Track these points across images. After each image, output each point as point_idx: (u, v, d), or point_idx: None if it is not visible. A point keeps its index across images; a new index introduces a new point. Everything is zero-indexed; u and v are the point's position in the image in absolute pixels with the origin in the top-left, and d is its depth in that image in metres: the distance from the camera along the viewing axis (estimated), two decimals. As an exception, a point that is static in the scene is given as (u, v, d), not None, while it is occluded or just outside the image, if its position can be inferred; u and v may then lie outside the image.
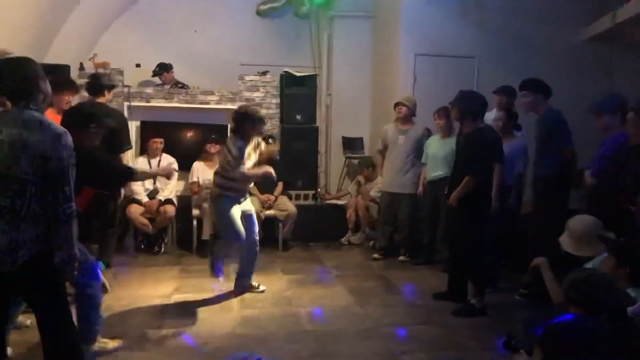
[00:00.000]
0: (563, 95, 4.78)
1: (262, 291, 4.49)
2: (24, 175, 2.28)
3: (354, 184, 6.69)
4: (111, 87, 4.79)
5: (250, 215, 4.44)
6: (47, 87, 2.47)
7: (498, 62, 6.25)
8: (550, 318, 1.67)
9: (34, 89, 2.40)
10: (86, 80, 4.93)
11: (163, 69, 6.46)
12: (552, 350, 1.51)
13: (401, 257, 5.58)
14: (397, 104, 5.56)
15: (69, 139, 2.36)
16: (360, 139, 7.05)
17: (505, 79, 5.50)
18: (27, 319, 3.31)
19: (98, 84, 4.62)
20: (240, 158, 4.15)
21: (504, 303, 4.32)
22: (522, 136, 4.89)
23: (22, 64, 2.43)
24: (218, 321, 3.85)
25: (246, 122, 4.20)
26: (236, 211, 4.24)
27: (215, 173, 4.35)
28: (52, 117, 4.11)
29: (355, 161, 7.10)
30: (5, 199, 2.27)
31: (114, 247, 5.00)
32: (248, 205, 4.47)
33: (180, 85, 6.52)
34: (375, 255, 5.69)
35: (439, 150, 5.20)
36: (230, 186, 4.21)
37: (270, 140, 6.14)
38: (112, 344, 3.29)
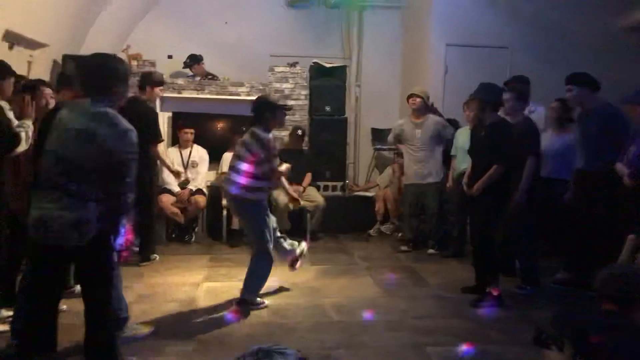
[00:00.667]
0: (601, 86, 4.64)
1: (266, 306, 3.94)
2: (89, 164, 2.46)
3: (385, 174, 6.66)
4: (155, 83, 5.00)
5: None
6: (124, 89, 2.69)
7: (532, 53, 6.12)
8: (582, 313, 1.64)
9: (110, 87, 2.59)
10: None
11: (194, 60, 6.54)
12: (584, 347, 1.49)
13: (430, 250, 5.55)
14: (410, 96, 5.52)
15: (133, 135, 2.55)
16: (390, 130, 6.99)
17: (540, 69, 5.41)
18: (63, 304, 3.42)
19: (142, 80, 5.05)
20: (270, 151, 3.80)
21: (537, 297, 4.27)
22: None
23: (107, 62, 2.64)
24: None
25: (266, 111, 3.85)
26: (269, 214, 3.92)
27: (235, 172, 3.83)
28: None
29: (385, 152, 7.07)
30: (73, 183, 2.46)
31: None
32: None
33: (211, 76, 6.59)
34: (403, 247, 5.67)
35: (468, 142, 5.12)
36: (260, 186, 3.83)
37: (299, 132, 6.17)
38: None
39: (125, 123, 2.55)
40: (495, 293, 4.06)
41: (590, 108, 4.18)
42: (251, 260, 3.92)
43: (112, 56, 2.73)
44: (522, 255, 4.47)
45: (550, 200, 4.55)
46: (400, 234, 6.12)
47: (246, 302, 3.84)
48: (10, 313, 3.36)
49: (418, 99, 5.47)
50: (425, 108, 5.55)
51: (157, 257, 5.04)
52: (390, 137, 5.86)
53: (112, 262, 2.68)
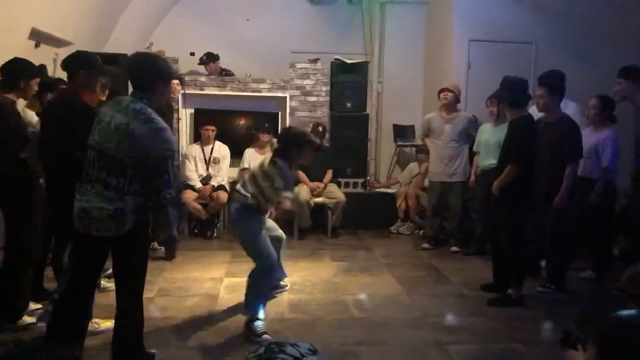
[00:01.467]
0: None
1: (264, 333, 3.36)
2: (127, 160, 2.56)
3: (407, 171, 6.62)
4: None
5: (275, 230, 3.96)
6: (165, 88, 2.77)
7: (557, 48, 6.00)
8: (606, 312, 1.60)
9: (152, 87, 2.68)
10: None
11: (210, 58, 6.55)
12: (608, 347, 1.45)
13: (453, 248, 5.50)
14: (442, 90, 5.44)
15: (169, 133, 2.64)
16: (412, 127, 6.96)
17: (565, 65, 5.26)
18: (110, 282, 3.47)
19: None
20: (281, 189, 3.54)
21: (560, 296, 4.21)
22: (612, 128, 4.49)
23: (152, 62, 2.73)
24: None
25: (293, 148, 3.53)
26: (264, 231, 3.60)
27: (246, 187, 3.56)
28: None
29: (407, 149, 7.03)
30: (112, 177, 2.57)
31: None
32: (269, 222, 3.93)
33: (225, 72, 6.62)
34: (425, 245, 5.64)
35: (491, 138, 5.05)
36: (264, 208, 3.63)
37: (320, 128, 6.17)
38: (104, 324, 3.32)
39: (161, 121, 2.62)
40: (514, 296, 3.99)
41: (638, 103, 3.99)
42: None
43: (155, 55, 2.85)
44: (554, 256, 4.34)
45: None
46: (421, 232, 6.08)
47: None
48: (39, 306, 3.44)
49: (450, 94, 5.39)
50: (457, 103, 5.48)
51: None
52: (419, 132, 5.80)
53: (146, 254, 2.80)
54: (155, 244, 4.49)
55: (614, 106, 4.44)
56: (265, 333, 3.30)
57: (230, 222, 3.69)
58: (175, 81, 4.41)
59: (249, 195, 3.48)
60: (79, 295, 2.75)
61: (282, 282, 4.21)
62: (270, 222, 3.94)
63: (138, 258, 2.74)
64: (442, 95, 5.44)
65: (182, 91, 5.72)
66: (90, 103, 3.17)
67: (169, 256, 2.79)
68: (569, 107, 4.61)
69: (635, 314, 1.86)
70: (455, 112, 5.47)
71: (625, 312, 1.67)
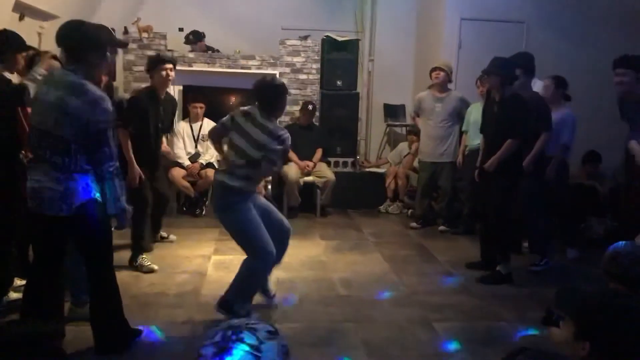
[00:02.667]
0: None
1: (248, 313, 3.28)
2: (67, 136, 2.47)
3: (396, 151, 6.62)
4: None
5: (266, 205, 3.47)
6: (99, 60, 2.61)
7: (550, 28, 5.97)
8: (587, 291, 1.63)
9: (83, 58, 2.53)
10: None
11: (197, 38, 6.45)
12: (586, 324, 1.47)
13: (441, 227, 5.54)
14: (434, 69, 5.41)
15: (106, 103, 2.51)
16: (402, 107, 6.93)
17: (557, 45, 5.29)
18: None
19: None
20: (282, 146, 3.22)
21: (547, 275, 4.27)
22: (568, 107, 4.64)
23: (83, 31, 2.56)
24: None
25: (274, 99, 3.27)
26: (255, 212, 3.23)
27: (232, 165, 3.19)
28: None
29: (397, 129, 7.01)
30: (57, 156, 2.49)
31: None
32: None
33: (211, 51, 6.52)
34: (413, 224, 5.67)
35: (480, 117, 5.04)
36: (255, 180, 3.28)
37: (310, 107, 6.13)
38: None
39: (96, 91, 2.51)
40: (503, 272, 4.06)
41: None
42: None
43: (87, 23, 2.64)
44: (536, 232, 4.46)
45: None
46: (410, 211, 6.11)
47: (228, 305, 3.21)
48: (24, 282, 3.43)
49: (442, 73, 5.36)
50: (448, 83, 5.46)
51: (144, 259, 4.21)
52: (412, 112, 5.78)
53: (104, 231, 2.71)
54: None
55: (567, 85, 4.56)
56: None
57: (215, 211, 3.31)
58: (169, 65, 4.22)
59: (237, 182, 3.14)
60: (46, 274, 2.69)
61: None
62: (270, 207, 3.46)
63: (96, 235, 2.67)
64: (433, 74, 5.41)
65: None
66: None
67: (120, 227, 2.72)
68: (536, 85, 4.65)
69: (613, 291, 1.89)
70: (447, 91, 5.45)
71: (603, 290, 1.70)
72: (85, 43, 2.53)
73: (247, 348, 1.05)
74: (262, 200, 3.45)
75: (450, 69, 5.45)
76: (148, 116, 4.11)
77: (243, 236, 3.22)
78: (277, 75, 6.40)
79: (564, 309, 1.53)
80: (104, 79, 3.88)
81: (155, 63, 4.20)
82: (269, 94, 3.27)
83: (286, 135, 3.23)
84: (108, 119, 2.53)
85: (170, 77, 4.19)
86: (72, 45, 2.55)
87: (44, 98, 2.51)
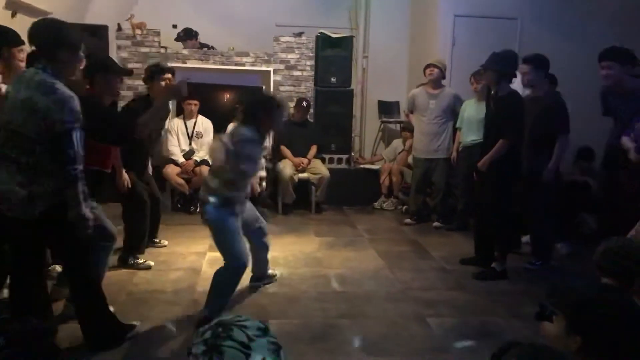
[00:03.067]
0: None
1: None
2: (33, 135, 2.43)
3: (391, 147, 6.63)
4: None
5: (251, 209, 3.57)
6: (71, 58, 2.53)
7: (543, 24, 5.99)
8: (579, 286, 1.64)
9: (55, 56, 2.48)
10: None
11: (188, 35, 6.43)
12: (577, 319, 1.49)
13: (435, 223, 5.56)
14: (428, 66, 5.42)
15: (74, 103, 2.43)
16: (397, 103, 6.95)
17: (551, 41, 5.30)
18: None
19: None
20: (252, 159, 3.20)
21: (541, 272, 4.28)
22: None
23: (56, 28, 2.51)
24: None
25: (259, 111, 3.21)
26: (238, 226, 3.27)
27: (213, 174, 3.25)
28: None
29: (391, 125, 7.02)
30: (24, 156, 2.44)
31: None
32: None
33: (206, 47, 6.51)
34: (408, 220, 5.69)
35: (475, 114, 5.07)
36: (235, 196, 3.20)
37: (304, 104, 6.13)
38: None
39: (65, 91, 2.44)
40: (498, 269, 4.07)
41: (631, 88, 3.85)
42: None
43: (59, 22, 2.59)
44: (539, 232, 4.40)
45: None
46: (404, 207, 6.13)
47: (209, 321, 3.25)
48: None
49: (435, 70, 5.37)
50: (442, 79, 5.47)
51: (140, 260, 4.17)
52: (406, 109, 5.78)
53: (74, 233, 2.56)
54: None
55: (556, 83, 4.57)
56: None
57: (203, 216, 3.33)
58: (169, 75, 4.17)
59: (217, 196, 3.14)
60: (26, 274, 2.67)
61: (270, 272, 3.91)
62: (251, 212, 3.53)
63: (67, 238, 2.60)
64: (427, 71, 5.42)
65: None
66: None
67: (80, 235, 2.56)
68: (514, 82, 4.65)
69: (604, 286, 1.91)
70: (440, 88, 5.47)
71: (594, 285, 1.71)
72: (56, 41, 2.47)
73: (237, 345, 1.04)
74: (247, 206, 3.45)
75: (444, 65, 5.47)
76: None
77: (222, 243, 3.25)
78: (272, 72, 6.41)
79: (556, 304, 1.55)
80: (109, 98, 3.77)
81: (155, 73, 4.14)
82: (254, 106, 3.27)
83: (245, 137, 3.12)
84: (74, 119, 2.44)
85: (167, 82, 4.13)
86: (43, 43, 2.50)
87: (14, 97, 2.47)
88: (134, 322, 3.01)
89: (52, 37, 2.48)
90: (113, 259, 4.01)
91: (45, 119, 2.40)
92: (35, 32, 2.51)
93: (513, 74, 3.98)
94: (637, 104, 3.83)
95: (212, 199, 3.15)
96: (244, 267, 3.25)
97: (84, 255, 2.74)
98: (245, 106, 3.38)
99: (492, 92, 4.10)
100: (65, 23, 2.62)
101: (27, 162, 2.44)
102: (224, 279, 3.24)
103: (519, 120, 3.93)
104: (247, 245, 3.38)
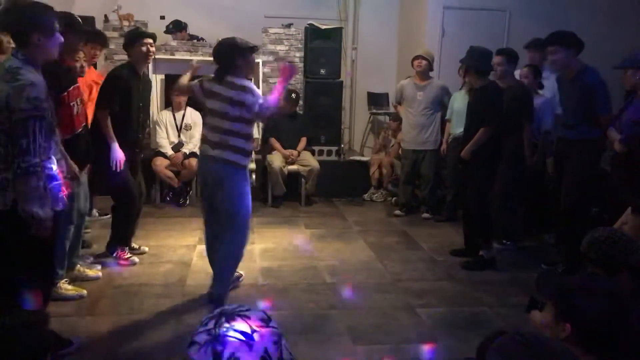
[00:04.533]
0: (601, 50, 4.59)
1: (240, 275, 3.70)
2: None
3: (379, 139, 6.65)
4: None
5: None
6: (45, 42, 2.38)
7: (531, 16, 6.02)
8: (566, 276, 1.66)
9: (25, 37, 2.35)
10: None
11: (177, 27, 6.37)
12: (567, 307, 1.52)
13: (424, 214, 5.59)
14: (416, 57, 5.43)
15: (32, 90, 2.28)
16: (386, 95, 6.95)
17: (539, 33, 5.28)
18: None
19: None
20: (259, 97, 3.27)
21: (529, 260, 4.34)
22: (546, 93, 4.78)
23: (27, 12, 2.37)
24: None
25: (237, 56, 3.32)
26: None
27: (223, 132, 3.26)
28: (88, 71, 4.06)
29: (381, 117, 7.03)
30: None
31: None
32: None
33: (195, 38, 6.46)
34: (397, 212, 5.71)
35: (464, 105, 5.04)
36: (250, 149, 3.41)
37: (293, 95, 6.11)
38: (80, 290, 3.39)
39: (28, 76, 2.28)
40: (486, 257, 4.12)
41: (577, 71, 3.86)
42: (224, 242, 3.35)
43: (31, 3, 2.44)
44: (504, 214, 4.53)
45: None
46: (394, 199, 6.15)
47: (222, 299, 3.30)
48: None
49: (424, 61, 5.38)
50: (430, 71, 5.49)
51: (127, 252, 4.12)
52: (394, 100, 5.83)
53: (28, 229, 2.36)
54: None
55: (541, 74, 4.70)
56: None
57: (212, 179, 3.32)
58: (149, 40, 3.91)
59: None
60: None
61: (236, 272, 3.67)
62: None
63: (21, 233, 2.39)
64: (416, 62, 5.43)
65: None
66: None
67: (34, 233, 2.36)
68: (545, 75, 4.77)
69: (592, 275, 1.94)
70: (428, 79, 5.48)
71: (582, 274, 1.74)
72: (28, 24, 2.33)
73: (239, 336, 1.05)
74: None
75: (432, 57, 5.48)
76: (131, 93, 3.82)
77: (232, 209, 3.26)
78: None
79: (545, 292, 1.57)
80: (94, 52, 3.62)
81: (135, 38, 3.97)
82: (222, 51, 3.36)
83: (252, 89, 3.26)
84: (32, 106, 2.26)
85: (150, 53, 3.96)
86: (15, 28, 2.37)
87: None
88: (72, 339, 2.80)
89: (24, 21, 2.35)
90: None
91: (7, 106, 2.25)
92: (5, 18, 2.41)
93: (490, 68, 4.12)
94: (584, 90, 3.79)
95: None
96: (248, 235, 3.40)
97: (46, 250, 2.52)
98: (220, 56, 3.39)
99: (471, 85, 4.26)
100: (38, 4, 2.46)
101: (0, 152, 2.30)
102: (233, 248, 3.35)
103: (498, 107, 4.02)
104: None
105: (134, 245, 4.24)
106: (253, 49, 3.41)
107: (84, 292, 3.41)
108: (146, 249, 4.31)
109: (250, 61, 3.42)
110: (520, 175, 4.45)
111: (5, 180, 2.31)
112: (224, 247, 3.34)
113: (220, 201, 3.29)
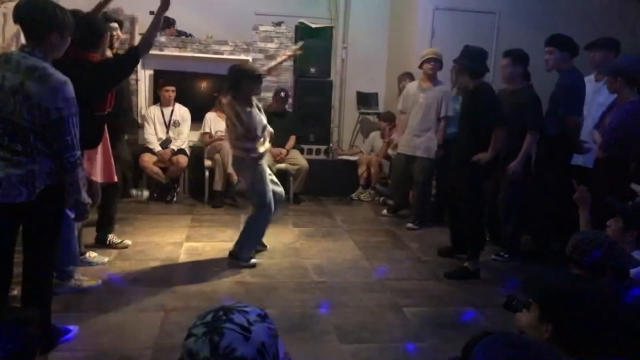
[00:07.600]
0: (588, 54, 4.61)
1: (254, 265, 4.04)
2: (25, 123, 2.33)
3: (369, 139, 6.66)
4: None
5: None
6: (60, 42, 2.41)
7: (520, 19, 6.07)
8: (552, 277, 1.69)
9: (44, 35, 2.36)
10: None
11: (166, 24, 6.32)
12: (550, 308, 1.54)
13: (409, 224, 5.27)
14: (427, 61, 5.08)
15: (68, 89, 2.34)
16: (375, 95, 6.97)
17: (528, 35, 5.35)
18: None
19: None
20: (253, 126, 3.87)
21: (514, 262, 4.37)
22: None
23: (45, 9, 2.37)
24: (228, 269, 3.94)
25: (244, 81, 3.83)
26: (266, 172, 4.08)
27: (232, 144, 4.01)
28: None
29: (370, 117, 7.05)
30: (17, 144, 2.36)
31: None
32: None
33: (184, 34, 6.43)
34: (385, 212, 5.72)
35: (457, 107, 5.03)
36: (254, 147, 3.94)
37: (282, 94, 6.11)
38: (91, 282, 3.49)
39: (59, 76, 2.34)
40: (471, 269, 3.99)
41: (565, 71, 4.21)
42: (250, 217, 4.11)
43: (47, 2, 2.43)
44: (507, 224, 4.41)
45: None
46: (382, 199, 6.17)
47: (236, 254, 4.04)
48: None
49: (437, 64, 5.10)
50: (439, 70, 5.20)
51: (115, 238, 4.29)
52: (399, 104, 5.50)
53: (60, 219, 2.58)
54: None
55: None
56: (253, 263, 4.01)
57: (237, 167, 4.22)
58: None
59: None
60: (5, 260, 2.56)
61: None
62: (273, 178, 4.24)
63: (52, 223, 2.54)
64: (428, 66, 5.10)
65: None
66: None
67: (78, 220, 2.63)
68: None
69: (576, 277, 1.97)
70: (434, 82, 5.18)
71: (567, 276, 1.76)
72: (49, 24, 2.34)
73: (237, 328, 1.08)
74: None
75: (441, 55, 5.16)
76: None
77: (255, 189, 4.00)
78: (250, 61, 6.35)
79: (530, 293, 1.59)
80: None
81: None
82: (231, 77, 3.89)
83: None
84: (68, 106, 2.34)
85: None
86: (33, 24, 2.35)
87: (2, 83, 2.32)
88: (69, 328, 2.85)
89: (45, 19, 2.35)
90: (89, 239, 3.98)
91: (39, 106, 2.29)
92: (25, 11, 2.37)
93: (485, 68, 3.99)
94: (563, 86, 4.17)
95: None
96: (271, 208, 4.05)
97: (57, 243, 2.65)
98: (229, 80, 3.92)
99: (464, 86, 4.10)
100: (52, 4, 2.45)
101: (24, 149, 2.35)
102: (255, 223, 4.08)
103: (501, 109, 3.92)
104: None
105: (115, 239, 4.27)
106: (260, 76, 4.01)
107: (100, 281, 3.54)
108: (129, 242, 4.32)
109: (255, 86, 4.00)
110: (523, 183, 4.27)
111: (31, 172, 2.37)
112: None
113: None
